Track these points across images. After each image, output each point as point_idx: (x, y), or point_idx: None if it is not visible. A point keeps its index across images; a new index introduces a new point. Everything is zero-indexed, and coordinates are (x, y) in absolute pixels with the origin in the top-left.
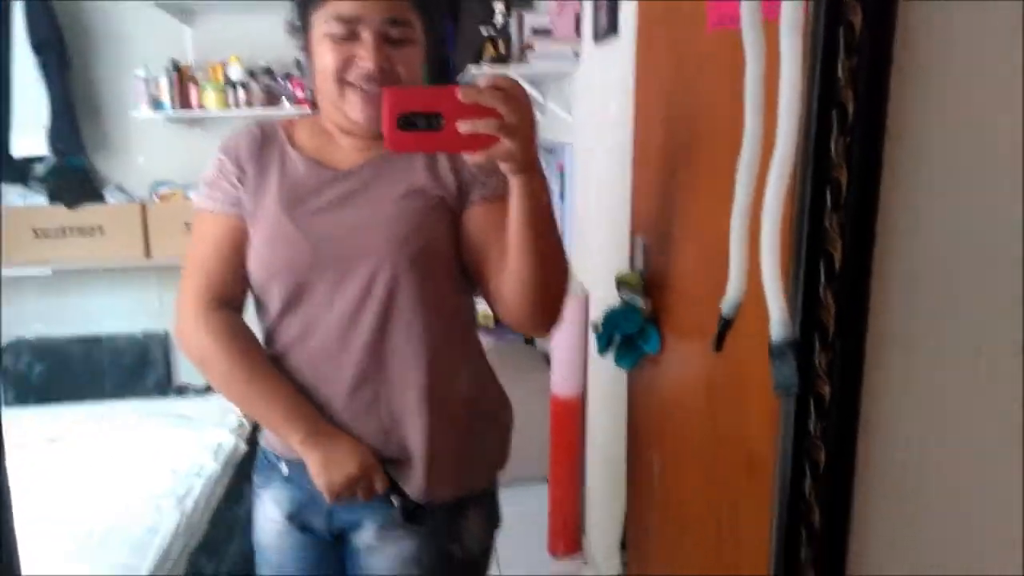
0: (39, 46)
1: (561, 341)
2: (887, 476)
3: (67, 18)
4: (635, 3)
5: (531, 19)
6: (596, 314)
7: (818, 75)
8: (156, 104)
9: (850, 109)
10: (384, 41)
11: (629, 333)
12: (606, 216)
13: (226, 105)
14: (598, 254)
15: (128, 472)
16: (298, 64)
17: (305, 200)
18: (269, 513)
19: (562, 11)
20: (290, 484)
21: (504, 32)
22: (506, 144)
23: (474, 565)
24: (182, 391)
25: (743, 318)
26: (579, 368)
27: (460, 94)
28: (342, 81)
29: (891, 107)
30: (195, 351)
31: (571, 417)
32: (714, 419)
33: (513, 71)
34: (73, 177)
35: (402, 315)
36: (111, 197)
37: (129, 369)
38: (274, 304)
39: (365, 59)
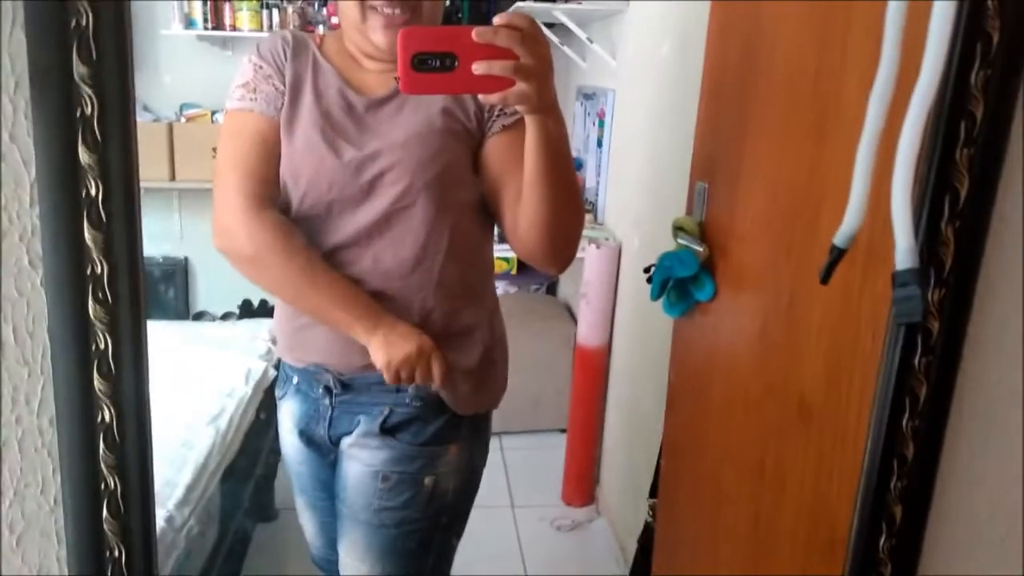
0: None
1: (590, 291)
2: (980, 418)
3: None
4: None
5: None
6: (628, 265)
7: (966, 5)
8: (188, 22)
9: (994, 40)
10: None
11: (683, 277)
12: (655, 163)
13: (260, 27)
14: (641, 202)
15: (160, 392)
16: None
17: (335, 121)
18: (285, 423)
19: None
20: (299, 394)
21: None
22: (521, 86)
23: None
24: (199, 317)
25: (803, 266)
26: (606, 319)
27: (475, 34)
28: (364, 4)
29: None
30: (248, 248)
31: (596, 368)
32: (764, 367)
33: (560, 10)
34: None
35: (418, 239)
36: (137, 116)
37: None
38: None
39: None
